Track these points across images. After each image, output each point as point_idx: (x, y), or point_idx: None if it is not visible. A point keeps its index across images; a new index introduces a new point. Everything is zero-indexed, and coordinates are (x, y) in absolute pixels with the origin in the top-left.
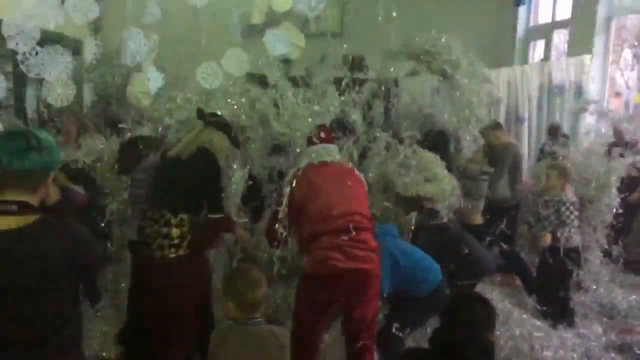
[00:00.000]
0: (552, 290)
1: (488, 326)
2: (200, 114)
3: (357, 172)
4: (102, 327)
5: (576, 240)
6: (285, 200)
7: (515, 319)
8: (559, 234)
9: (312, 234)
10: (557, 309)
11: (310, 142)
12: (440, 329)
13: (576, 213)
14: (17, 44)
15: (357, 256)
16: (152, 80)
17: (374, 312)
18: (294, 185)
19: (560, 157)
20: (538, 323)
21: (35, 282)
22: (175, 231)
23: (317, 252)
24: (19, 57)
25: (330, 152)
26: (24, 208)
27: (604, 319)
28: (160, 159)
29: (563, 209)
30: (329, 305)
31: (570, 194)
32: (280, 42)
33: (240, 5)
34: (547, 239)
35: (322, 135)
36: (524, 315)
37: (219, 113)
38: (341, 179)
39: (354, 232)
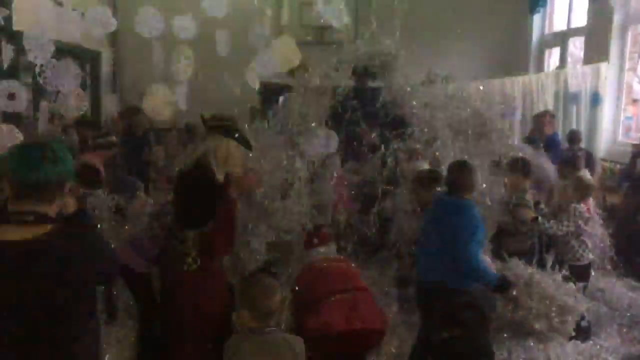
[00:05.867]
0: None
1: (485, 328)
2: (202, 119)
3: (349, 263)
4: (118, 334)
5: (586, 257)
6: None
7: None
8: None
9: (315, 300)
10: None
11: (306, 245)
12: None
13: (581, 230)
14: (35, 57)
15: (359, 314)
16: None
17: None
18: (298, 287)
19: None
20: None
21: (51, 291)
22: (179, 246)
23: (321, 312)
24: (37, 70)
25: (322, 254)
26: (40, 218)
27: (623, 330)
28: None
29: (565, 221)
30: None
31: (583, 209)
32: (271, 65)
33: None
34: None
35: (315, 240)
36: None
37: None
38: (336, 267)
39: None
